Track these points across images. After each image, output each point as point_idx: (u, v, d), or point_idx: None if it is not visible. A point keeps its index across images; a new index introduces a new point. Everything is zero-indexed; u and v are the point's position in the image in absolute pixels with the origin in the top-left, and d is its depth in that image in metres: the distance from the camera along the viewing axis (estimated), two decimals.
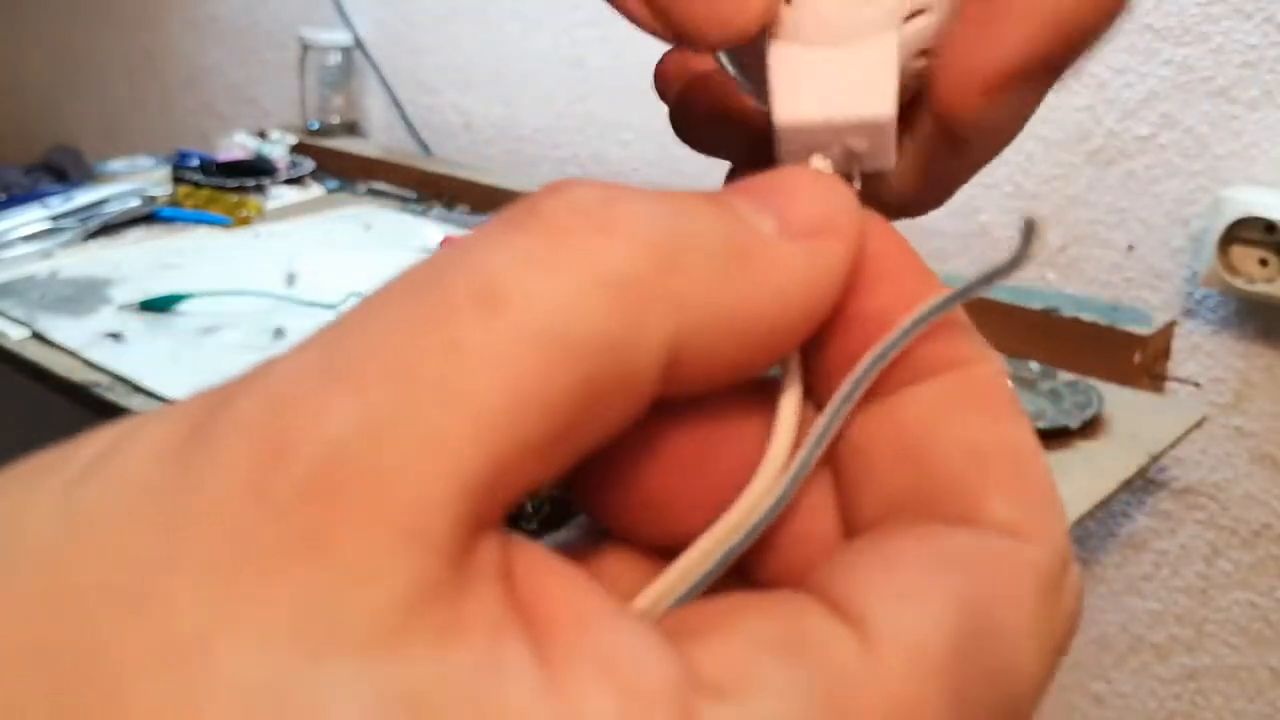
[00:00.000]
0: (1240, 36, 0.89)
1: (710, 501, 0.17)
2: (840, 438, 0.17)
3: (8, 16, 2.18)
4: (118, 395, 0.88)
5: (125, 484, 0.12)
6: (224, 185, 1.34)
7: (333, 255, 1.18)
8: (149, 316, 1.02)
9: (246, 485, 0.12)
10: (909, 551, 0.15)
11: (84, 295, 1.07)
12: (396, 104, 1.54)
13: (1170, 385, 0.97)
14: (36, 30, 2.16)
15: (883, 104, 0.18)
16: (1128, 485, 0.80)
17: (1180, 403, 0.95)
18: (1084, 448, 0.83)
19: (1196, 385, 0.96)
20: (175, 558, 0.12)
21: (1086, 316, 0.95)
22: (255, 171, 1.39)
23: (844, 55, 0.19)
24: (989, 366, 0.17)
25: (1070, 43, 0.18)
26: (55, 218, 1.24)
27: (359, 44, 1.55)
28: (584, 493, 0.17)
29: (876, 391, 0.17)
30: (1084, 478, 0.79)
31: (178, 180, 1.35)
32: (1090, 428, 0.84)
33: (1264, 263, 0.88)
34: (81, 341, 0.96)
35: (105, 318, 1.01)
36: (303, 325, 0.99)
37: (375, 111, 1.58)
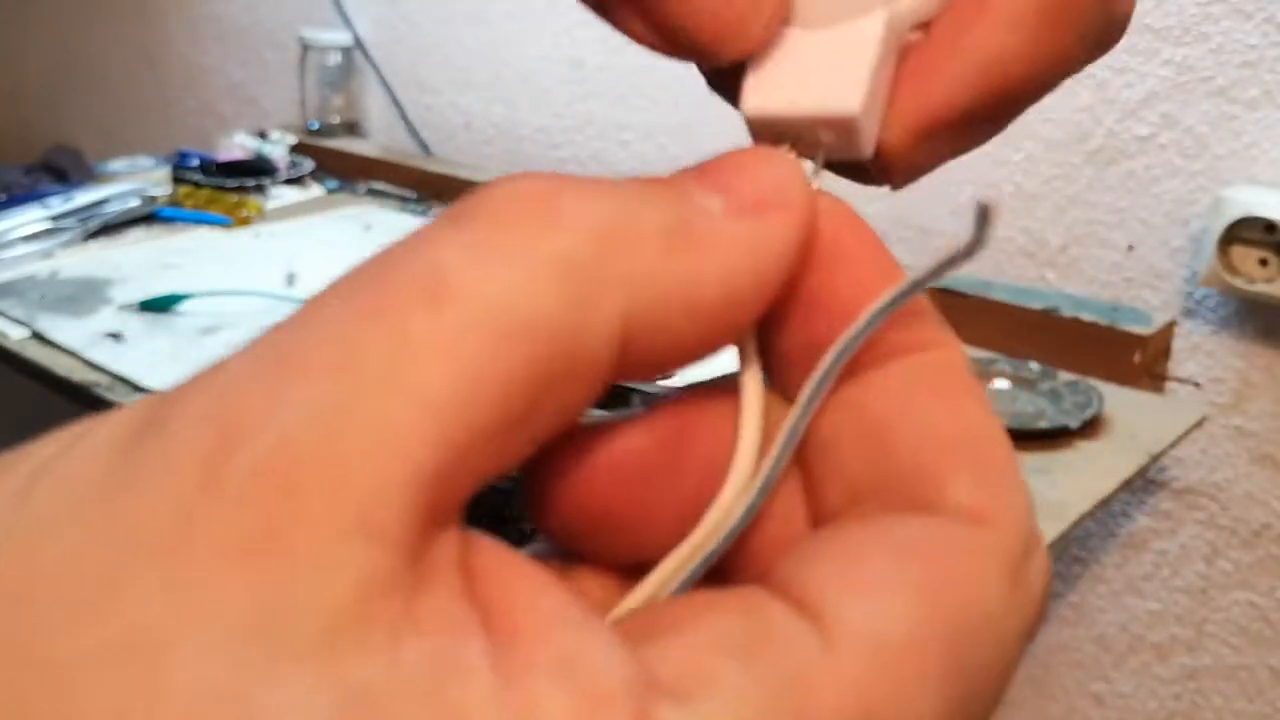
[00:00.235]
0: (1240, 36, 0.89)
1: (676, 512, 0.16)
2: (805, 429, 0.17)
3: (8, 16, 2.18)
4: (118, 395, 0.88)
5: (74, 483, 0.12)
6: (224, 185, 1.34)
7: (333, 255, 1.18)
8: (149, 316, 1.01)
9: (196, 476, 0.12)
10: (870, 542, 0.15)
11: (84, 295, 1.07)
12: (396, 104, 1.54)
13: (1170, 385, 0.97)
14: (36, 30, 2.16)
15: (850, 100, 0.18)
16: (1128, 485, 0.80)
17: (1180, 403, 0.95)
18: (1084, 448, 0.83)
19: (1196, 385, 0.96)
20: (125, 554, 0.11)
21: (1086, 316, 0.95)
22: (255, 171, 1.39)
23: (824, 40, 0.18)
24: (951, 350, 0.17)
25: (1002, 96, 0.18)
26: (55, 218, 1.24)
27: (359, 44, 1.55)
28: (547, 516, 0.17)
29: (839, 377, 0.17)
30: (1084, 478, 0.79)
31: (178, 180, 1.35)
32: (1090, 428, 0.84)
33: (1264, 263, 0.88)
34: (81, 341, 0.96)
35: (105, 318, 1.01)
36: None
37: (375, 111, 1.58)
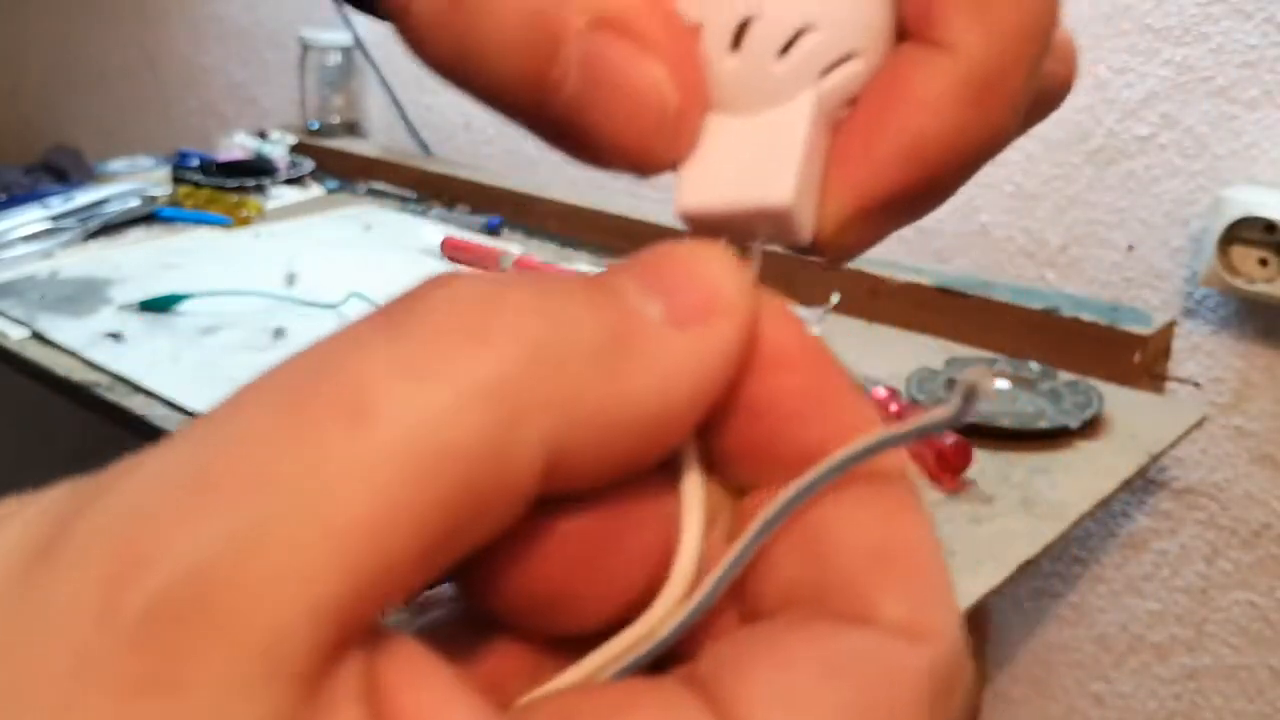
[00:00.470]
0: (1240, 36, 0.89)
1: (608, 592, 0.16)
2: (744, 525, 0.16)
3: (8, 16, 2.18)
4: (118, 395, 0.88)
5: None
6: (224, 185, 1.34)
7: (333, 255, 1.18)
8: (149, 316, 1.02)
9: (95, 607, 0.11)
10: (799, 652, 0.15)
11: (84, 295, 1.07)
12: (396, 104, 1.54)
13: (1170, 385, 0.97)
14: (36, 30, 2.16)
15: (781, 192, 0.17)
16: (1128, 485, 0.80)
17: (1180, 403, 0.95)
18: (1084, 448, 0.83)
19: (1196, 385, 0.96)
20: (17, 690, 0.11)
21: (1086, 316, 0.95)
22: (255, 171, 1.39)
23: (753, 128, 0.18)
24: (891, 458, 0.16)
25: (931, 177, 0.17)
26: (55, 218, 1.24)
27: (359, 44, 1.55)
28: (482, 595, 0.16)
29: (779, 479, 0.16)
30: (1084, 478, 0.79)
31: (178, 180, 1.35)
32: (1090, 428, 0.84)
33: (1264, 263, 0.88)
34: (81, 341, 0.96)
35: (105, 318, 1.01)
36: (303, 325, 0.99)
37: (375, 111, 1.58)
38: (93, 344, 0.95)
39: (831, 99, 0.18)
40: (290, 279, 1.09)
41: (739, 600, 0.17)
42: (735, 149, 0.18)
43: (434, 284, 0.14)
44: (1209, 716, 1.02)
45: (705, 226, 0.18)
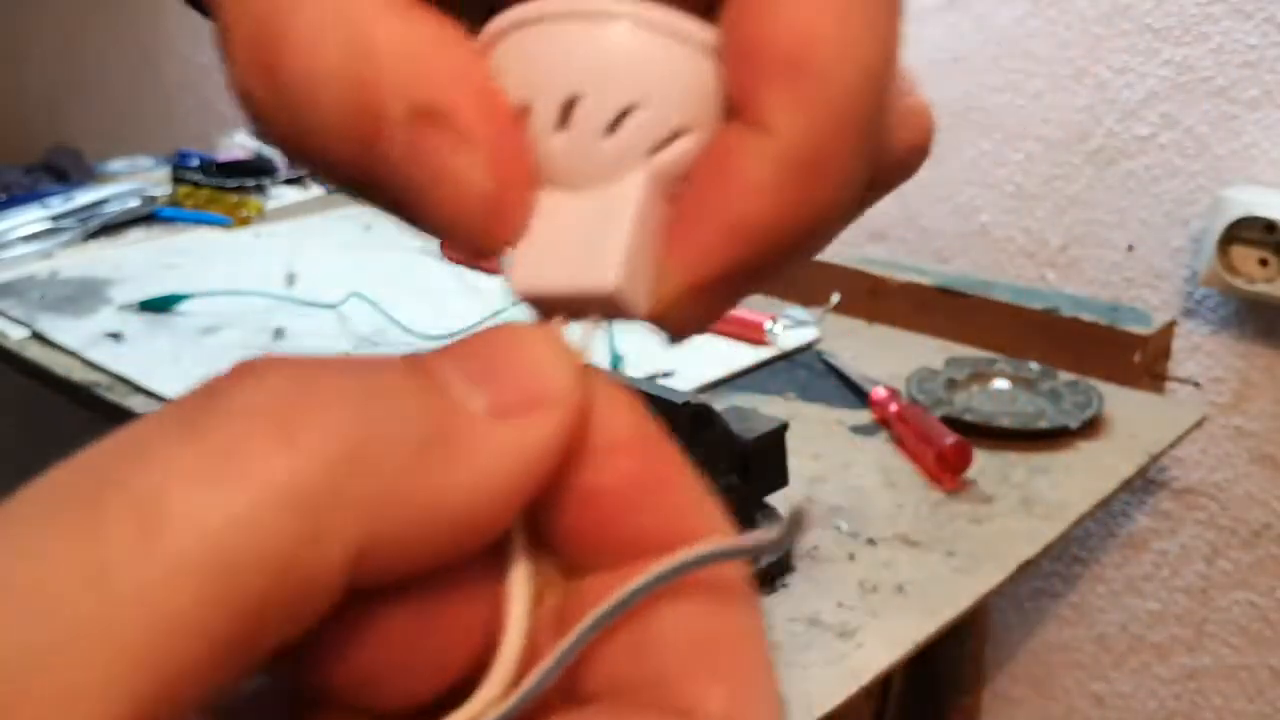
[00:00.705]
0: (1240, 36, 0.89)
1: (432, 672, 0.16)
2: (571, 615, 0.16)
3: (8, 16, 2.18)
4: (118, 395, 0.88)
5: None
6: (224, 185, 1.34)
7: (333, 255, 1.18)
8: (149, 316, 1.02)
9: None
10: None
11: (84, 295, 1.07)
12: None
13: (1170, 385, 0.97)
14: (37, 30, 2.16)
15: (606, 276, 0.17)
16: (1128, 485, 0.80)
17: (1180, 403, 0.95)
18: (1084, 448, 0.83)
19: (1196, 385, 0.96)
20: None
21: (1086, 316, 0.95)
22: (255, 171, 1.39)
23: (583, 206, 0.17)
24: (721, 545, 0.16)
25: (761, 256, 0.17)
26: (55, 218, 1.24)
27: None
28: (306, 673, 0.16)
29: (611, 563, 0.16)
30: (1084, 478, 0.79)
31: (178, 180, 1.35)
32: (1090, 428, 0.84)
33: (1264, 263, 0.88)
34: (81, 341, 0.96)
35: (105, 318, 1.01)
36: (302, 325, 0.99)
37: None
38: (93, 344, 0.95)
39: (664, 175, 0.17)
40: (290, 279, 1.09)
41: (565, 687, 0.16)
42: (567, 228, 0.17)
43: (242, 372, 0.14)
44: (1209, 716, 1.02)
45: (542, 304, 0.18)
